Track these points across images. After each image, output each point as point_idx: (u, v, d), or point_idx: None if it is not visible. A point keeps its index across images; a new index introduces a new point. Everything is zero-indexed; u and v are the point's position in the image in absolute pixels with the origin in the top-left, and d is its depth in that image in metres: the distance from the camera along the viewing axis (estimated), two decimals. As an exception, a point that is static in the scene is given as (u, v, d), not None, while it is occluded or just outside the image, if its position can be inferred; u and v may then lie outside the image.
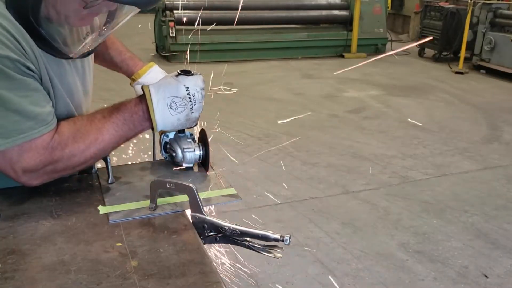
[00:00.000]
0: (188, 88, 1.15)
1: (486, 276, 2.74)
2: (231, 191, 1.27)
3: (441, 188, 3.84)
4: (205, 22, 8.18)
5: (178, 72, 1.18)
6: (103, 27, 1.17)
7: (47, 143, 1.09)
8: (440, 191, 3.78)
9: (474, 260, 2.89)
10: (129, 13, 1.13)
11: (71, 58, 1.18)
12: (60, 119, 1.15)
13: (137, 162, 1.47)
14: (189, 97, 1.15)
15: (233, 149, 4.40)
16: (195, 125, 1.24)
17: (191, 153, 1.30)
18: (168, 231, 1.08)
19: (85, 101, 1.34)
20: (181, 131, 1.31)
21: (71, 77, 1.23)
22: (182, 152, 1.30)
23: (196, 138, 1.36)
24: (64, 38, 1.13)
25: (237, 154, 4.30)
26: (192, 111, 1.17)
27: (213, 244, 1.22)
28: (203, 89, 1.18)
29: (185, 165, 1.31)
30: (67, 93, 1.20)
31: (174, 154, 1.31)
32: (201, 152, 1.32)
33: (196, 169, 1.35)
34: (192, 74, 1.18)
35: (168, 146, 1.35)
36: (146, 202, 1.16)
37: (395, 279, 2.69)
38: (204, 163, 1.34)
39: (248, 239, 1.08)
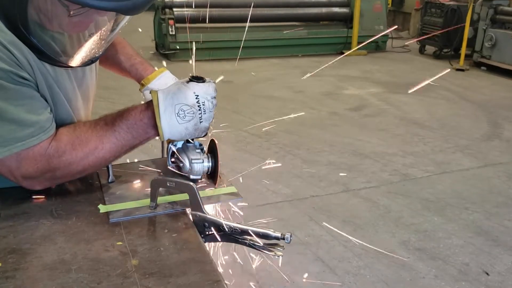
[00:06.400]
0: (198, 96, 1.09)
1: (487, 274, 2.74)
2: (232, 189, 1.26)
3: (441, 185, 3.84)
4: (204, 20, 8.19)
5: (189, 78, 1.12)
6: (98, 35, 1.14)
7: (45, 150, 1.08)
8: (441, 189, 3.78)
9: (475, 258, 2.88)
10: (120, 19, 1.11)
11: (70, 67, 1.16)
12: (61, 125, 1.14)
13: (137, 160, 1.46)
14: (198, 106, 1.09)
15: (233, 147, 4.40)
16: (204, 135, 1.17)
17: (199, 164, 1.23)
18: (168, 230, 1.08)
19: (84, 107, 1.32)
20: (189, 140, 1.24)
21: (68, 82, 1.22)
22: (190, 163, 1.23)
23: (206, 149, 1.30)
24: (61, 47, 1.12)
25: (237, 152, 4.30)
26: (201, 120, 1.10)
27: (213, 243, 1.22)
28: (214, 97, 1.12)
29: (192, 177, 1.24)
30: (64, 98, 1.20)
31: (181, 164, 1.25)
32: (210, 164, 1.25)
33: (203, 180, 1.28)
34: (204, 81, 1.12)
35: (175, 156, 1.28)
36: (147, 201, 1.16)
37: (396, 277, 2.69)
38: (212, 175, 1.28)
39: (248, 237, 1.08)
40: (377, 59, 8.73)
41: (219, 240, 1.11)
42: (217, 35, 8.23)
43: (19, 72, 1.03)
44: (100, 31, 1.13)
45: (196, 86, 1.10)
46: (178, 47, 7.73)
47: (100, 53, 1.20)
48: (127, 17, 1.09)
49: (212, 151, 1.27)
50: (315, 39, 8.91)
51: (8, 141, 1.04)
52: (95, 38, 1.14)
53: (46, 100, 1.12)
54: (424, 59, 8.81)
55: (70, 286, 0.88)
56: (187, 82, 1.12)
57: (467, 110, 5.87)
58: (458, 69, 7.84)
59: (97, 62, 1.37)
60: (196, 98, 1.09)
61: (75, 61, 1.15)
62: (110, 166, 1.25)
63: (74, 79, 1.25)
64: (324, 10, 9.01)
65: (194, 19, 8.12)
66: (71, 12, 0.98)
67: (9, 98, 1.03)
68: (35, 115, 1.07)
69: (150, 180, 1.15)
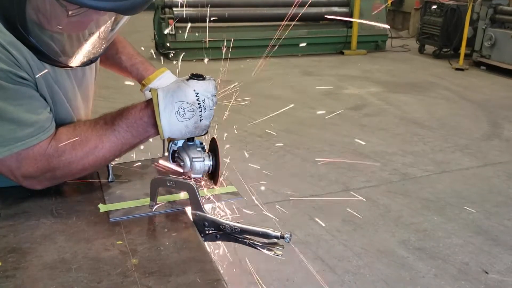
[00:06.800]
0: (198, 93, 1.09)
1: (486, 273, 2.74)
2: (232, 189, 1.27)
3: (441, 185, 3.84)
4: (204, 19, 8.18)
5: (189, 76, 1.12)
6: (97, 35, 1.14)
7: (44, 150, 1.08)
8: (441, 188, 3.78)
9: (474, 257, 2.89)
10: (119, 19, 1.11)
11: (69, 67, 1.16)
12: (61, 124, 1.14)
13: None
14: (198, 103, 1.09)
15: (233, 146, 4.39)
16: (205, 133, 1.17)
17: (200, 163, 1.22)
18: (168, 229, 1.08)
19: (84, 106, 1.32)
20: (190, 139, 1.23)
21: (68, 82, 1.22)
22: (191, 161, 1.22)
23: (207, 147, 1.29)
24: (60, 47, 1.12)
25: (237, 152, 4.30)
26: (201, 118, 1.10)
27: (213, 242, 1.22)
28: (214, 95, 1.12)
29: (193, 176, 1.23)
30: (64, 98, 1.20)
31: (182, 163, 1.24)
32: (211, 163, 1.23)
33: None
34: (204, 79, 1.11)
35: (176, 155, 1.27)
36: (147, 200, 1.16)
37: (395, 276, 2.69)
38: (213, 174, 1.27)
39: (248, 236, 1.08)
40: (376, 59, 8.73)
41: (219, 239, 1.12)
42: (216, 34, 8.23)
43: (18, 72, 1.03)
44: (99, 31, 1.13)
45: (196, 84, 1.10)
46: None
47: (100, 53, 1.19)
48: (126, 17, 1.09)
49: (213, 149, 1.26)
50: (315, 39, 8.91)
51: (8, 141, 1.04)
52: (94, 38, 1.14)
53: (45, 100, 1.12)
54: (424, 58, 8.81)
55: (70, 285, 0.88)
56: (187, 80, 1.11)
57: (467, 110, 5.87)
58: (457, 69, 7.84)
59: (97, 61, 1.37)
60: (196, 96, 1.09)
61: (75, 61, 1.15)
62: (110, 165, 1.25)
63: (73, 78, 1.25)
64: (324, 9, 9.01)
65: (194, 19, 8.12)
66: (70, 12, 0.98)
67: (8, 98, 1.03)
68: (35, 115, 1.07)
69: (150, 179, 1.15)
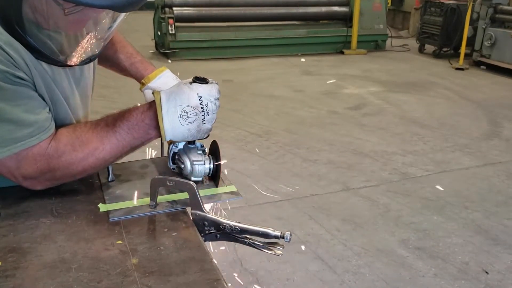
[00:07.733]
0: (201, 97, 1.09)
1: (486, 272, 2.74)
2: (232, 188, 1.26)
3: (441, 184, 3.84)
4: (204, 19, 8.19)
5: (192, 79, 1.12)
6: (95, 33, 1.13)
7: (44, 150, 1.08)
8: (441, 188, 3.78)
9: (474, 256, 2.89)
10: (117, 17, 1.10)
11: (68, 66, 1.16)
12: (59, 124, 1.14)
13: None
14: (201, 107, 1.09)
15: (233, 146, 4.40)
16: (207, 137, 1.17)
17: (200, 166, 1.22)
18: (168, 229, 1.08)
19: (83, 105, 1.32)
20: (191, 141, 1.23)
21: (66, 81, 1.21)
22: (191, 164, 1.22)
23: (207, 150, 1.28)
24: (58, 46, 1.11)
25: (237, 151, 4.30)
26: (204, 122, 1.10)
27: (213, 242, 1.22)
28: (217, 99, 1.12)
29: (193, 179, 1.23)
30: (62, 97, 1.20)
31: (182, 166, 1.24)
32: (211, 166, 1.24)
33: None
34: (207, 82, 1.11)
35: (176, 157, 1.27)
36: (147, 200, 1.16)
37: (395, 276, 2.70)
38: (214, 177, 1.27)
39: (248, 236, 1.08)
40: (376, 58, 8.73)
41: (219, 239, 1.12)
42: (216, 34, 8.24)
43: (16, 72, 1.03)
44: (96, 29, 1.13)
45: (199, 88, 1.10)
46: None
47: (98, 51, 1.19)
48: (123, 15, 1.09)
49: (214, 152, 1.26)
50: (315, 38, 8.91)
51: (7, 142, 1.04)
52: (92, 36, 1.14)
53: (44, 100, 1.12)
54: (424, 58, 8.81)
55: (70, 285, 0.88)
56: (190, 83, 1.11)
57: (467, 109, 5.87)
58: (457, 68, 7.84)
59: (96, 60, 1.37)
60: (199, 100, 1.09)
61: (73, 60, 1.14)
62: (110, 165, 1.25)
63: (71, 78, 1.24)
64: (323, 9, 9.01)
65: (194, 18, 8.12)
66: (66, 11, 0.98)
67: (6, 98, 1.02)
68: (34, 115, 1.06)
69: (150, 178, 1.15)
